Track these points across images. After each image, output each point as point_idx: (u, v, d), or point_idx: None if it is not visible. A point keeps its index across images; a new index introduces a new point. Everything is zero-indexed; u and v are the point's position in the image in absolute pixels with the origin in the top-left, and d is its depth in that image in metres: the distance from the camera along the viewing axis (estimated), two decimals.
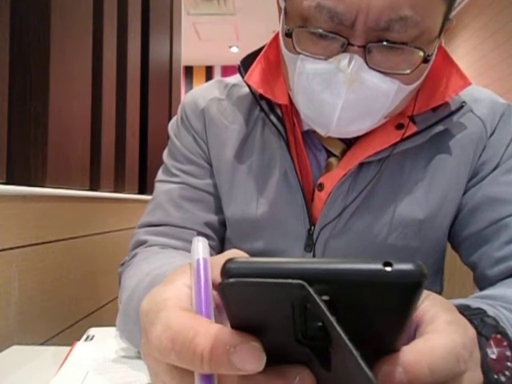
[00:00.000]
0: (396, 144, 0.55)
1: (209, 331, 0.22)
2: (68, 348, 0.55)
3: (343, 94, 0.48)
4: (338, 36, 0.46)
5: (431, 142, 0.57)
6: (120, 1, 1.29)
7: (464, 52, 4.23)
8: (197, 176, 0.65)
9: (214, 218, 0.65)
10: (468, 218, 0.59)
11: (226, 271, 0.20)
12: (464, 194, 0.59)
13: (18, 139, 0.84)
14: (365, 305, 0.20)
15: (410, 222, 0.58)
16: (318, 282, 0.19)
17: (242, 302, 0.21)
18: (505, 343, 0.34)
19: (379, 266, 0.19)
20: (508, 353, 0.34)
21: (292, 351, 0.22)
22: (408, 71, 0.48)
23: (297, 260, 0.20)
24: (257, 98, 0.60)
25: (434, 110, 0.56)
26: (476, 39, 4.01)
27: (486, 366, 0.32)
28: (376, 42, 0.46)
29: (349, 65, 0.46)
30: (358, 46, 0.46)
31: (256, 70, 0.59)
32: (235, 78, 0.67)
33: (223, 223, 0.66)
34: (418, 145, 0.56)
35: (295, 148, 0.59)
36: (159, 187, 0.67)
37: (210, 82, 0.70)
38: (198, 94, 0.68)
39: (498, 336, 0.34)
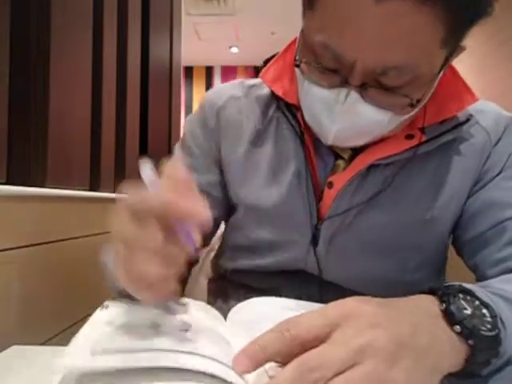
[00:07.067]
0: (405, 151, 0.58)
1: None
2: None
3: (338, 122, 0.52)
4: (338, 74, 0.51)
5: (439, 149, 0.59)
6: (120, 1, 1.29)
7: (465, 52, 4.22)
8: (198, 171, 0.67)
9: None
10: (470, 222, 0.60)
11: None
12: (467, 198, 0.61)
13: (18, 139, 0.84)
14: None
15: (416, 223, 0.60)
16: None
17: None
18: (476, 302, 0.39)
19: None
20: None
21: None
22: (399, 110, 0.52)
23: None
24: (275, 96, 0.64)
25: (442, 122, 0.59)
26: (476, 40, 4.01)
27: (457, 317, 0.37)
28: (371, 84, 0.50)
29: (345, 98, 0.50)
30: (355, 86, 0.50)
31: (271, 69, 0.63)
32: (257, 80, 0.71)
33: (217, 222, 0.69)
34: (426, 151, 0.58)
35: (307, 147, 0.61)
36: None
37: (234, 82, 0.74)
38: (219, 92, 0.71)
39: (468, 297, 0.39)
